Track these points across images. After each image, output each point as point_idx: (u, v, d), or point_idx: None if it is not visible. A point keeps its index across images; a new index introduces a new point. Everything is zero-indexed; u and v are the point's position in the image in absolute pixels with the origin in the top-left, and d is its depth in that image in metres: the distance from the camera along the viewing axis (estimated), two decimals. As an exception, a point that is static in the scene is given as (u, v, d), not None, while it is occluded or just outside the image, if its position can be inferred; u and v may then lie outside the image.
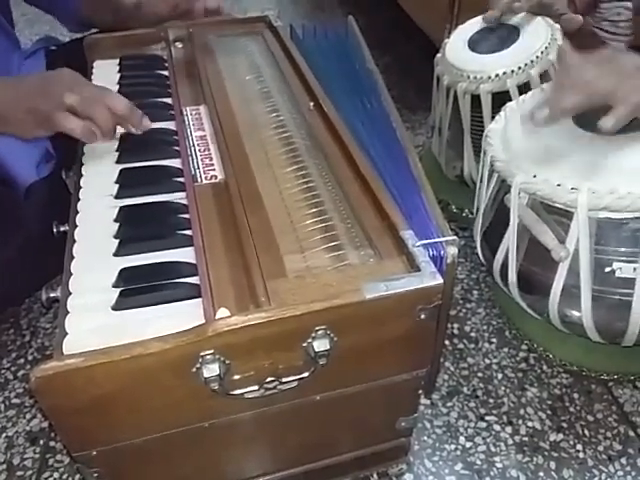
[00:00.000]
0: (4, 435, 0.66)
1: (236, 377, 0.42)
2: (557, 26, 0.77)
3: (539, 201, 0.57)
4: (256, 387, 0.43)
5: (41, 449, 0.65)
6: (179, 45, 0.80)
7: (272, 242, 0.48)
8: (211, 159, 0.58)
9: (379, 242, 0.48)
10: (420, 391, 0.52)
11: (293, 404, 0.47)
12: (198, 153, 0.58)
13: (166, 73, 0.74)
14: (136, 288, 0.45)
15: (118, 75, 0.74)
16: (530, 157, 0.59)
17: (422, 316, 0.44)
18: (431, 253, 0.46)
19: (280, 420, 0.48)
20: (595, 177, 0.53)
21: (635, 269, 0.54)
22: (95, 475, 0.46)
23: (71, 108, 0.55)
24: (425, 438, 0.65)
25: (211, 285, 0.45)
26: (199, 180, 0.55)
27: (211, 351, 0.40)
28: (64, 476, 0.62)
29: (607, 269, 0.55)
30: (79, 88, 0.57)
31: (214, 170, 0.56)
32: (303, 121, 0.63)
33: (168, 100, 0.68)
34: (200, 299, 0.44)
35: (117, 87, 0.71)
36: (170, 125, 0.64)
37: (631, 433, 0.64)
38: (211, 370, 0.40)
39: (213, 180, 0.55)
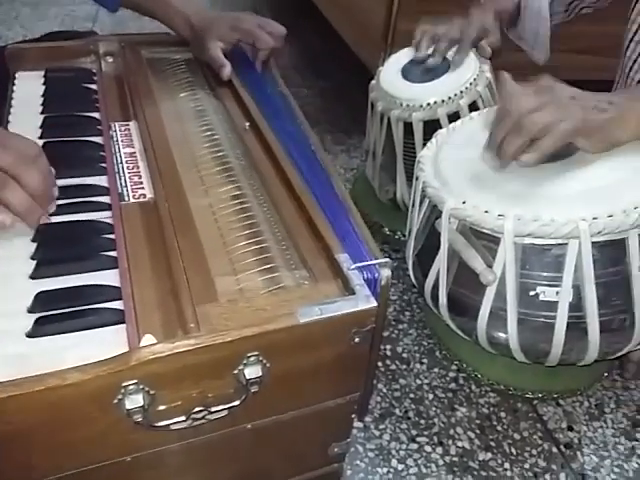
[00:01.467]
0: None
1: (162, 408, 0.40)
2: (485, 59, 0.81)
3: (468, 226, 0.59)
4: (183, 418, 0.41)
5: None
6: (110, 59, 0.77)
7: (203, 264, 0.47)
8: (140, 177, 0.56)
9: (314, 265, 0.48)
10: (353, 415, 0.52)
11: (223, 434, 0.45)
12: (126, 170, 0.56)
13: (95, 87, 0.71)
14: (54, 314, 0.42)
15: (43, 87, 0.70)
16: (460, 184, 0.61)
17: (356, 340, 0.44)
18: (365, 276, 0.46)
19: (209, 451, 0.46)
20: (521, 204, 0.56)
21: (558, 293, 0.57)
22: (3, 518, 0.42)
23: None
24: (358, 462, 0.64)
25: (136, 310, 0.42)
26: (126, 199, 0.53)
27: (134, 381, 0.38)
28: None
29: (531, 292, 0.58)
30: None
31: (143, 189, 0.54)
32: (238, 141, 0.62)
33: (96, 115, 0.65)
34: (124, 325, 0.42)
35: (42, 100, 0.67)
36: (97, 141, 0.61)
37: (554, 449, 0.67)
38: (134, 401, 0.38)
39: (142, 199, 0.53)
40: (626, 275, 0.56)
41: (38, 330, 0.41)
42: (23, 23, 1.63)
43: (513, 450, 0.66)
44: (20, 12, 1.68)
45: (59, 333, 0.41)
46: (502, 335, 0.61)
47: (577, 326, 0.58)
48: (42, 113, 0.65)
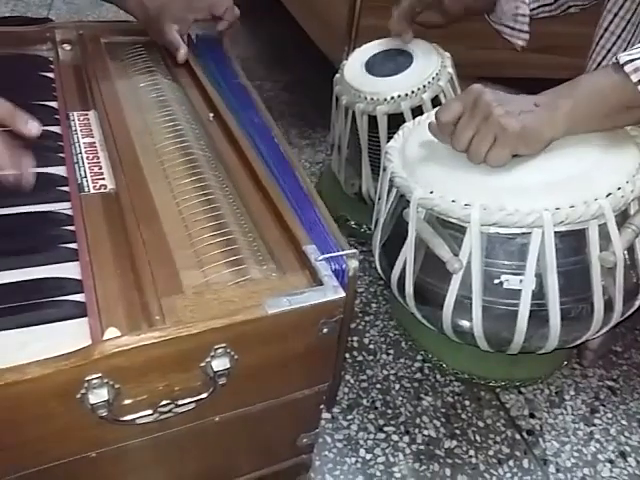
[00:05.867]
0: None
1: (127, 402, 0.39)
2: (447, 54, 0.82)
3: (435, 216, 0.60)
4: (150, 412, 0.40)
5: None
6: (67, 47, 0.75)
7: (168, 257, 0.46)
8: (100, 167, 0.54)
9: (281, 256, 0.47)
10: (322, 406, 0.52)
11: (191, 427, 0.44)
12: (86, 161, 0.54)
13: (52, 75, 0.69)
14: (12, 307, 0.40)
15: (-6, 74, 0.67)
16: (427, 174, 0.61)
17: (324, 330, 0.44)
18: (333, 267, 0.46)
19: (177, 445, 0.45)
20: (487, 194, 0.57)
21: (521, 281, 0.58)
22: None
23: None
24: (326, 453, 0.64)
25: (99, 303, 0.41)
26: (86, 189, 0.51)
27: (98, 375, 0.37)
28: None
29: (496, 281, 0.59)
30: None
31: (104, 179, 0.53)
32: (202, 132, 0.61)
33: (53, 104, 0.63)
34: (86, 318, 0.40)
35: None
36: (55, 130, 0.59)
37: (517, 436, 0.68)
38: (98, 395, 0.37)
39: (102, 190, 0.51)
40: (586, 264, 0.58)
41: (-5, 324, 0.39)
42: (-29, 9, 1.56)
43: (477, 437, 0.68)
44: (-32, -2, 1.61)
45: (17, 327, 0.39)
46: (467, 323, 0.62)
47: (539, 314, 0.59)
48: (-6, 101, 0.62)
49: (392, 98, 0.78)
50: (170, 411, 0.41)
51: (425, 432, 0.68)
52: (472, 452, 0.66)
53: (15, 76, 0.68)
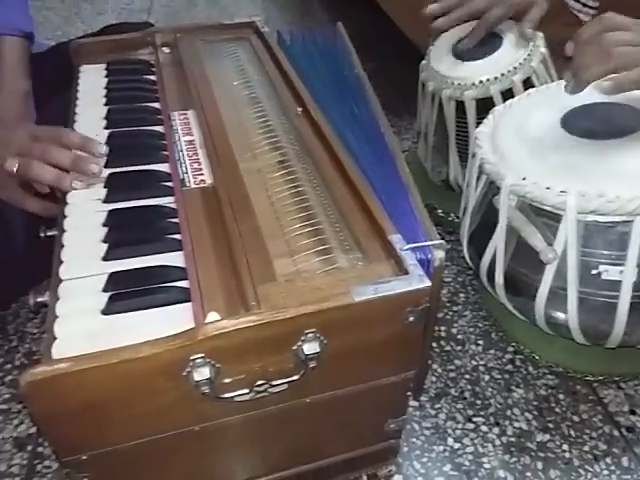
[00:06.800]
0: (-9, 442, 0.65)
1: (226, 380, 0.42)
2: (539, 33, 0.78)
3: (528, 203, 0.58)
4: (246, 390, 0.43)
5: (29, 455, 0.64)
6: (166, 50, 0.80)
7: (261, 246, 0.48)
8: (199, 164, 0.58)
9: (367, 246, 0.49)
10: (409, 393, 0.53)
11: (283, 407, 0.47)
12: (186, 158, 0.59)
13: (154, 78, 0.74)
14: (125, 292, 0.45)
15: (105, 80, 0.74)
16: (520, 159, 0.60)
17: (410, 319, 0.45)
18: (419, 257, 0.46)
19: (270, 423, 0.48)
20: (584, 180, 0.54)
21: (621, 272, 0.55)
22: (85, 480, 0.45)
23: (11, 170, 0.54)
24: (414, 440, 0.65)
25: (201, 289, 0.45)
26: (188, 184, 0.55)
27: (201, 355, 0.40)
28: (52, 483, 0.62)
29: (594, 271, 0.56)
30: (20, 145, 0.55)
31: (202, 175, 0.56)
32: (291, 126, 0.64)
33: (156, 105, 0.68)
34: (190, 303, 0.44)
35: (105, 92, 0.71)
36: (159, 130, 0.64)
37: (615, 433, 0.65)
38: (202, 374, 0.40)
39: (202, 185, 0.55)
40: (694, 254, 0.54)
41: (112, 307, 0.44)
42: (83, 18, 1.70)
43: (572, 432, 0.66)
44: (80, 8, 1.75)
45: (130, 310, 0.44)
46: (561, 315, 0.60)
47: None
48: (106, 105, 0.68)
49: (481, 82, 0.76)
50: (265, 391, 0.43)
51: (516, 424, 0.66)
52: (566, 447, 0.64)
53: (124, 80, 0.74)
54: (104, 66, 0.77)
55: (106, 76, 0.75)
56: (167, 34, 0.81)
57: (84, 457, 0.43)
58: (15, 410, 0.68)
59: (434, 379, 0.71)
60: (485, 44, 0.80)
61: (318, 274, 0.46)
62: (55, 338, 0.42)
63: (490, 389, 0.70)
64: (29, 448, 0.65)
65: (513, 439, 0.65)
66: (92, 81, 0.74)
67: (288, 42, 0.80)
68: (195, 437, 0.46)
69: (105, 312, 0.44)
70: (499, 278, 0.64)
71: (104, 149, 0.56)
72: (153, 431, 0.44)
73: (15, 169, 0.54)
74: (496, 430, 0.66)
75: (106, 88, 0.72)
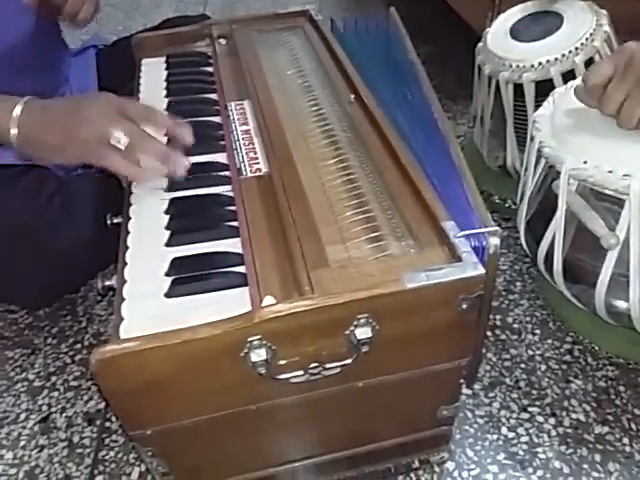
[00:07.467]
0: (64, 415, 0.70)
1: (282, 362, 0.44)
2: (603, 11, 0.75)
3: (589, 188, 0.56)
4: (301, 372, 0.44)
5: (98, 429, 0.69)
6: (222, 41, 0.82)
7: (315, 233, 0.49)
8: (255, 153, 0.59)
9: (420, 232, 0.49)
10: (462, 381, 0.53)
11: (336, 390, 0.48)
12: (243, 147, 0.60)
13: (211, 69, 0.76)
14: (187, 277, 0.47)
15: (166, 72, 0.76)
16: (580, 143, 0.58)
17: (463, 306, 0.45)
18: (473, 244, 0.46)
19: (323, 405, 0.50)
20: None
21: (686, 259, 0.53)
22: (149, 454, 0.48)
23: (115, 144, 0.52)
24: (467, 427, 0.65)
25: (257, 274, 0.46)
26: (244, 173, 0.57)
27: (258, 337, 0.42)
28: (119, 455, 0.66)
29: (657, 259, 0.54)
30: (121, 120, 0.53)
31: (258, 163, 0.58)
32: (344, 113, 0.64)
33: (213, 96, 0.70)
34: (247, 287, 0.46)
35: (165, 84, 0.73)
36: (216, 120, 0.66)
37: (681, 427, 0.63)
38: (258, 355, 0.42)
39: (258, 173, 0.57)
40: None
41: (174, 291, 0.46)
42: (142, 12, 1.75)
43: (633, 426, 0.64)
44: (140, 3, 1.81)
45: (191, 294, 0.46)
46: (623, 304, 0.58)
47: None
48: (166, 97, 0.71)
49: (540, 64, 0.74)
50: (319, 373, 0.45)
51: (573, 415, 0.65)
52: (626, 440, 0.62)
53: (183, 73, 0.76)
54: (164, 59, 0.80)
55: (166, 69, 0.77)
56: (223, 26, 0.83)
57: (149, 432, 0.46)
58: (85, 387, 0.73)
59: (488, 368, 0.71)
60: (544, 23, 0.77)
61: (370, 260, 0.47)
62: (122, 319, 0.44)
63: (547, 379, 0.69)
64: (98, 422, 0.69)
65: (570, 430, 0.64)
66: (153, 74, 0.76)
67: (341, 29, 0.80)
68: (251, 416, 0.48)
69: (168, 295, 0.46)
70: (557, 265, 0.62)
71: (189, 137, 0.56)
72: (212, 409, 0.47)
73: (124, 146, 0.52)
74: (552, 421, 0.65)
75: (166, 80, 0.74)
